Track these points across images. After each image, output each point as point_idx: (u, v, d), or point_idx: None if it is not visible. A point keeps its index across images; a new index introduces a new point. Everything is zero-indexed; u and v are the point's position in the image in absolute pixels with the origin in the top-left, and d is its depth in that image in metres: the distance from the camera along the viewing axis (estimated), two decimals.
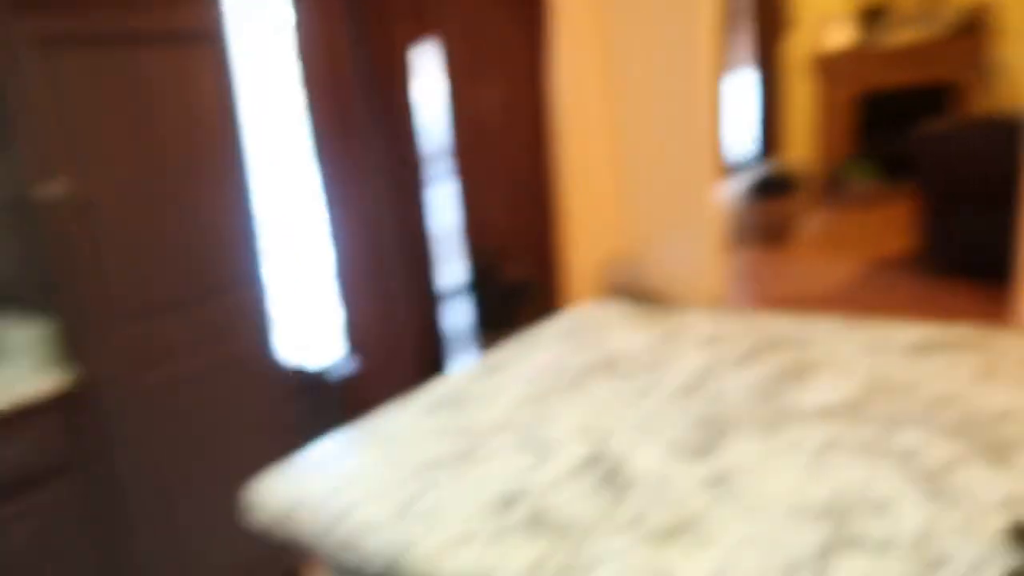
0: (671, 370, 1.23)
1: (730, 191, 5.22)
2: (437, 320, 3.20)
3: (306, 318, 3.22)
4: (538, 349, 1.43)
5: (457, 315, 3.26)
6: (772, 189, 5.53)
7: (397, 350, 2.95)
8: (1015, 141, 3.65)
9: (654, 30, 4.32)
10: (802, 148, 7.09)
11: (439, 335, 3.22)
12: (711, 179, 4.39)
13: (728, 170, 4.80)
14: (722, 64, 4.31)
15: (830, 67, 6.89)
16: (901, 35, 6.90)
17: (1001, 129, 3.82)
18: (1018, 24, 6.89)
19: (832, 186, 6.99)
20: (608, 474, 0.99)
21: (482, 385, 1.31)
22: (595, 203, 4.62)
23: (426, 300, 3.13)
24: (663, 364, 1.25)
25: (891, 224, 5.74)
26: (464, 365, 1.39)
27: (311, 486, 1.08)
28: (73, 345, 1.94)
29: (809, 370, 1.16)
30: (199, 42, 2.20)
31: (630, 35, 4.41)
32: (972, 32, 6.81)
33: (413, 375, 2.99)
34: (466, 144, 3.29)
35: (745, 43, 6.04)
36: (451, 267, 3.26)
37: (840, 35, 6.85)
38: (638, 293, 4.61)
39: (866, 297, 4.15)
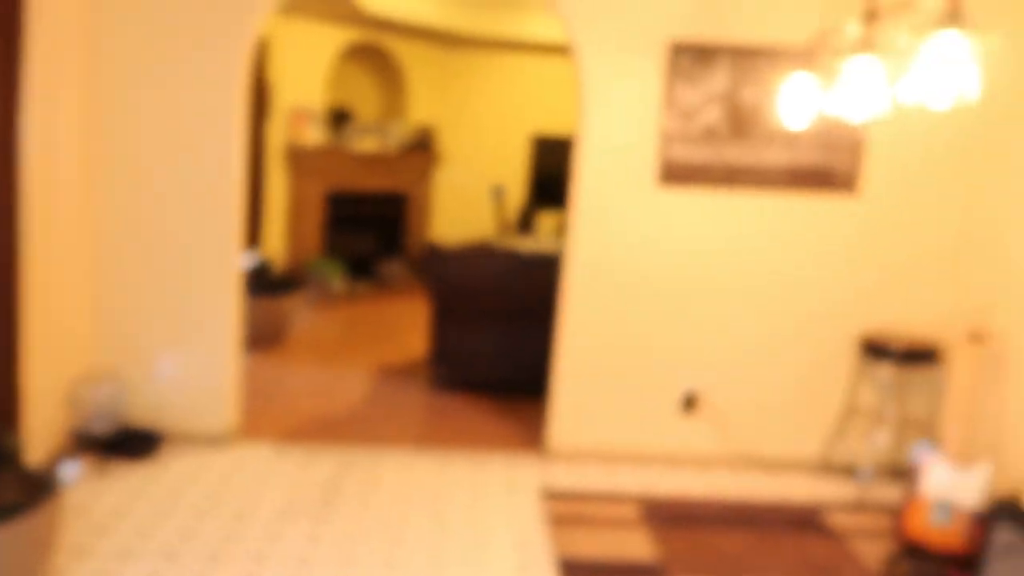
0: None
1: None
2: None
3: None
4: None
5: None
6: (265, 285, 5.00)
7: None
8: (521, 270, 3.97)
9: (170, 104, 3.33)
10: (276, 241, 6.76)
11: None
12: (236, 279, 3.52)
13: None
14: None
15: (303, 161, 6.77)
16: (364, 142, 7.24)
17: (510, 259, 4.12)
18: (449, 147, 7.95)
19: (304, 282, 6.80)
20: None
21: None
22: (70, 301, 3.28)
23: None
24: None
25: (375, 328, 5.78)
26: None
27: None
28: None
29: None
30: None
31: (130, 99, 3.30)
32: (424, 149, 7.57)
33: None
34: None
35: None
36: None
37: (314, 131, 6.84)
38: (122, 424, 3.37)
39: (391, 415, 3.94)
